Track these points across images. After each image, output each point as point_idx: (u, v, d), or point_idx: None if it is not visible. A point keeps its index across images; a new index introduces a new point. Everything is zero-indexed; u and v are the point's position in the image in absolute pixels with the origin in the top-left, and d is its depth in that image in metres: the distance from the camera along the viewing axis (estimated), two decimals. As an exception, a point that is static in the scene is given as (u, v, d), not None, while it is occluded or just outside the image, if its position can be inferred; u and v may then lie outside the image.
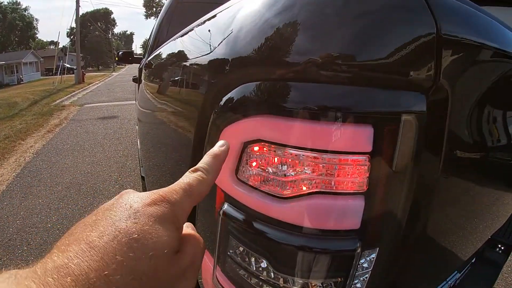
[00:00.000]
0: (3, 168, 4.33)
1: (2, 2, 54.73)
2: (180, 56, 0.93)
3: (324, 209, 0.39)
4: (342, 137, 0.38)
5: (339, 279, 0.43)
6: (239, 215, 0.46)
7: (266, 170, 0.43)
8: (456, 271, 0.99)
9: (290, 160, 0.40)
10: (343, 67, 0.38)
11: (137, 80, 2.99)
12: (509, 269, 2.09)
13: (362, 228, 0.41)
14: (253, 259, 0.45)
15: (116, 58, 3.99)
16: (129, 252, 0.26)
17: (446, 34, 0.40)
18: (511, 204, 1.10)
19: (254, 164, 0.44)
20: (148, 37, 3.74)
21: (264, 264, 0.44)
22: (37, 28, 62.63)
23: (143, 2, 71.63)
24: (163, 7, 2.34)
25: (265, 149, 0.42)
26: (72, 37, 59.42)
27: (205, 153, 0.54)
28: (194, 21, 0.89)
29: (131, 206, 0.29)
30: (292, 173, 0.40)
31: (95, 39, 62.49)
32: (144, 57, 2.71)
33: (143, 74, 2.11)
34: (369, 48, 0.38)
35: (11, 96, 12.95)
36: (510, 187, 0.90)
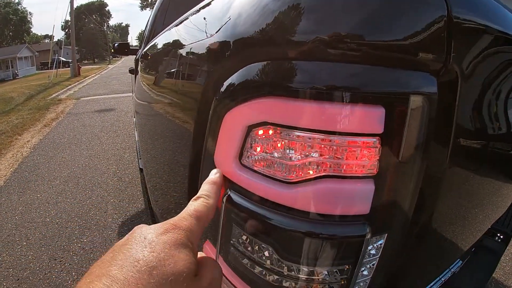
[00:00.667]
0: (0, 163, 4.31)
1: (-6, -3, 54.07)
2: (177, 45, 0.91)
3: (333, 194, 0.38)
4: (352, 118, 0.36)
5: (347, 267, 0.41)
6: (243, 202, 0.44)
7: (272, 154, 0.41)
8: (459, 260, 0.99)
9: (296, 143, 0.39)
10: (352, 45, 0.37)
11: (133, 71, 2.97)
12: (507, 258, 2.11)
13: (371, 213, 0.40)
14: (257, 247, 0.43)
15: (112, 50, 3.96)
16: (150, 279, 0.27)
17: (457, 16, 0.39)
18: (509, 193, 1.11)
19: (259, 148, 0.42)
20: (144, 28, 3.70)
21: (268, 252, 0.43)
22: (31, 22, 61.80)
23: (138, -7, 70.95)
24: (159, -3, 2.30)
25: (270, 132, 0.41)
26: (67, 30, 59.08)
27: (206, 145, 0.54)
28: (191, 9, 0.87)
29: (145, 237, 0.31)
30: (299, 157, 0.39)
31: (90, 31, 62.04)
32: (140, 48, 2.67)
33: (139, 66, 2.09)
34: (379, 27, 0.37)
35: (7, 91, 12.88)
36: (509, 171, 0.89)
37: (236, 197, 0.44)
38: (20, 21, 57.01)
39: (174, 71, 0.86)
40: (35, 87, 13.83)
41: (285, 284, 0.43)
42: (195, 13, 0.81)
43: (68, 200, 3.10)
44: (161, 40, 1.27)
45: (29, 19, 60.38)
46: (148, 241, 0.30)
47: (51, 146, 4.92)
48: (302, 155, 0.38)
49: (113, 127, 5.89)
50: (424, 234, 0.55)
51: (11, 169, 4.08)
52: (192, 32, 0.76)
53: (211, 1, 0.70)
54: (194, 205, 0.38)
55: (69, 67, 21.82)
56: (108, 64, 42.02)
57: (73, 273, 2.08)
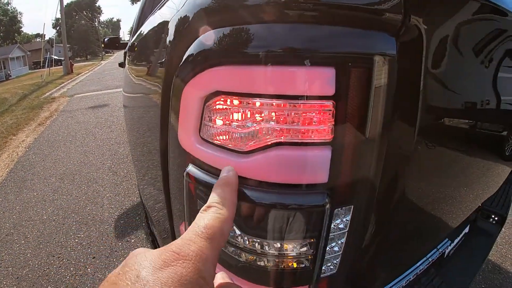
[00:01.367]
0: (-4, 164, 4.30)
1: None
2: (152, 29, 0.89)
3: (287, 161, 0.36)
4: (300, 80, 0.34)
5: (311, 240, 0.40)
6: (203, 176, 0.43)
7: (226, 124, 0.40)
8: (447, 239, 0.98)
9: (248, 110, 0.37)
10: (304, 5, 0.35)
11: (122, 64, 2.94)
12: (503, 240, 2.12)
13: (331, 182, 0.38)
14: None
15: (103, 45, 3.92)
16: None
17: None
18: (500, 173, 1.10)
19: (214, 119, 0.41)
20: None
21: (238, 230, 0.42)
22: (21, 21, 61.05)
23: (128, -13, 70.04)
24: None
25: (223, 101, 0.39)
26: (58, 28, 58.23)
27: (170, 125, 0.51)
28: None
29: (138, 276, 0.23)
30: (251, 124, 0.37)
31: (82, 28, 61.34)
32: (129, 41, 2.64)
33: (127, 58, 2.06)
34: None
35: (0, 92, 12.77)
36: (497, 151, 0.88)
37: (196, 171, 0.43)
38: (10, 21, 56.28)
39: (150, 57, 0.84)
40: (28, 86, 13.71)
41: (249, 258, 0.42)
42: None
43: (64, 197, 3.10)
44: (144, 28, 1.23)
45: (19, 18, 59.67)
46: (142, 282, 0.22)
47: (46, 145, 4.90)
48: (254, 122, 0.37)
49: (107, 123, 5.86)
50: (400, 210, 0.53)
51: (7, 169, 4.07)
52: (168, 11, 0.73)
53: None
54: (203, 220, 0.29)
55: (61, 65, 21.64)
56: (101, 60, 41.63)
57: (72, 269, 2.08)
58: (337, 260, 0.45)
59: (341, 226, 0.42)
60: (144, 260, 0.24)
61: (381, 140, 0.40)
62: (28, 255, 2.27)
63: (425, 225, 0.71)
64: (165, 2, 0.85)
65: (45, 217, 2.76)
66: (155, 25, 0.84)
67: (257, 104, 0.36)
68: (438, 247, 0.94)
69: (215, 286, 0.29)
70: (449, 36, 0.48)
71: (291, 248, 0.40)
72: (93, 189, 3.14)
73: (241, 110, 0.38)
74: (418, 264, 0.84)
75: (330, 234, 0.42)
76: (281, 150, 0.37)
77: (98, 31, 66.23)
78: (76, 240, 2.39)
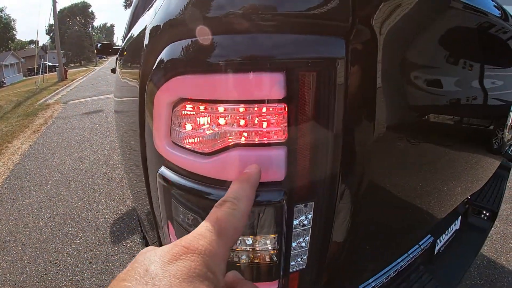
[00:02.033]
0: (-9, 172, 4.30)
1: (-24, 6, 52.89)
2: (136, 35, 0.91)
3: (245, 161, 0.39)
4: (252, 85, 0.37)
5: (274, 235, 0.43)
6: (174, 177, 0.45)
7: (191, 129, 0.43)
8: (429, 235, 0.97)
9: (207, 115, 0.40)
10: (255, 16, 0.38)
11: (114, 70, 2.95)
12: (499, 235, 2.14)
13: (288, 180, 0.41)
14: (190, 220, 0.45)
15: (95, 51, 3.92)
16: None
17: None
18: (485, 167, 1.10)
19: (181, 124, 0.44)
20: (126, 27, 3.65)
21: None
22: (15, 28, 60.77)
23: (121, -8, 69.80)
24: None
25: (188, 107, 0.42)
26: (51, 34, 58.00)
27: (146, 130, 0.52)
28: None
29: (147, 270, 0.23)
30: (214, 127, 0.40)
31: (75, 34, 61.05)
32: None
33: (118, 63, 2.07)
34: None
35: (-6, 100, 12.72)
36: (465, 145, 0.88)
37: (167, 172, 0.46)
38: (4, 29, 56.00)
39: (134, 62, 0.86)
40: (23, 93, 13.69)
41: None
42: None
43: (60, 203, 3.11)
44: (133, 32, 1.25)
45: (12, 25, 59.38)
46: (151, 276, 0.23)
47: (41, 152, 4.90)
48: (213, 126, 0.40)
49: (101, 128, 5.87)
50: (371, 206, 0.55)
51: (3, 177, 4.07)
52: (148, 17, 0.75)
53: None
54: (216, 214, 0.29)
55: (55, 71, 21.58)
56: (95, 66, 41.52)
57: (68, 274, 2.10)
58: (305, 255, 0.48)
59: (305, 222, 0.45)
60: (153, 255, 0.25)
61: (336, 138, 0.42)
62: (25, 262, 2.28)
63: (402, 221, 0.72)
64: (150, 8, 0.87)
65: (41, 224, 2.78)
66: (139, 30, 0.86)
67: (220, 109, 0.39)
68: (420, 243, 0.93)
69: (226, 282, 0.30)
70: (405, 33, 0.49)
71: (256, 243, 0.43)
72: (89, 195, 3.16)
73: (205, 115, 0.41)
74: (398, 260, 0.84)
75: (295, 230, 0.44)
76: (240, 150, 0.40)
77: (92, 37, 66.02)
78: (73, 246, 2.40)
